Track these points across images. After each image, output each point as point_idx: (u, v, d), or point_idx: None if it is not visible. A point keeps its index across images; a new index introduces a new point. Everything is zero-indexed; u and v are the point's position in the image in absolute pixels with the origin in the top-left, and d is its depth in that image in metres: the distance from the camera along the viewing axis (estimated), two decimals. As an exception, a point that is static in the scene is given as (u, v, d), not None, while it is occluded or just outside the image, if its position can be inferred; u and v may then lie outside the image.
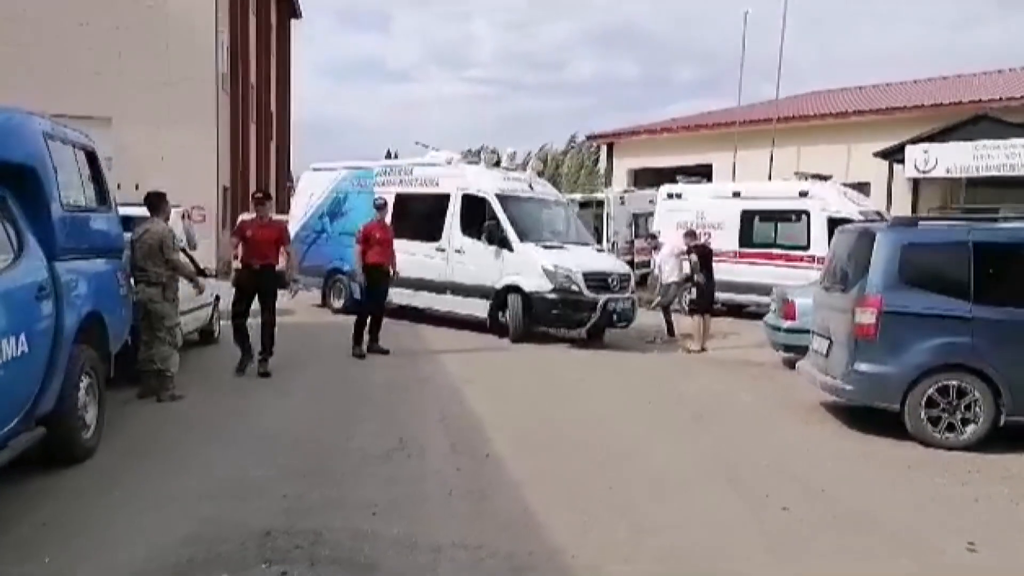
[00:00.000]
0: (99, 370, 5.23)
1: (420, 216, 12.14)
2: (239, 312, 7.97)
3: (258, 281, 7.92)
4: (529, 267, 10.82)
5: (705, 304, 10.98)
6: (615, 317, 10.82)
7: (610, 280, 10.97)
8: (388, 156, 26.27)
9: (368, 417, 6.37)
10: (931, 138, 17.22)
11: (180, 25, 19.53)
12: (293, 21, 32.14)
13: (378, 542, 3.78)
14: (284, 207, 21.03)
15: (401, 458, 5.22)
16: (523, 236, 11.15)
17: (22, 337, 4.05)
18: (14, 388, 4.03)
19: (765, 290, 11.16)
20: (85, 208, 5.40)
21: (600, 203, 20.11)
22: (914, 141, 17.37)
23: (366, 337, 9.35)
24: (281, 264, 8.34)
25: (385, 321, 9.80)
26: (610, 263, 12.00)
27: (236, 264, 8.45)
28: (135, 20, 19.11)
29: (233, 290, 8.21)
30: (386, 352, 9.36)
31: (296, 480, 4.66)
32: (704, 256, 11.08)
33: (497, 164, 12.37)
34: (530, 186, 12.35)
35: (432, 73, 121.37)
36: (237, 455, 5.18)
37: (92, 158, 5.73)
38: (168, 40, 19.28)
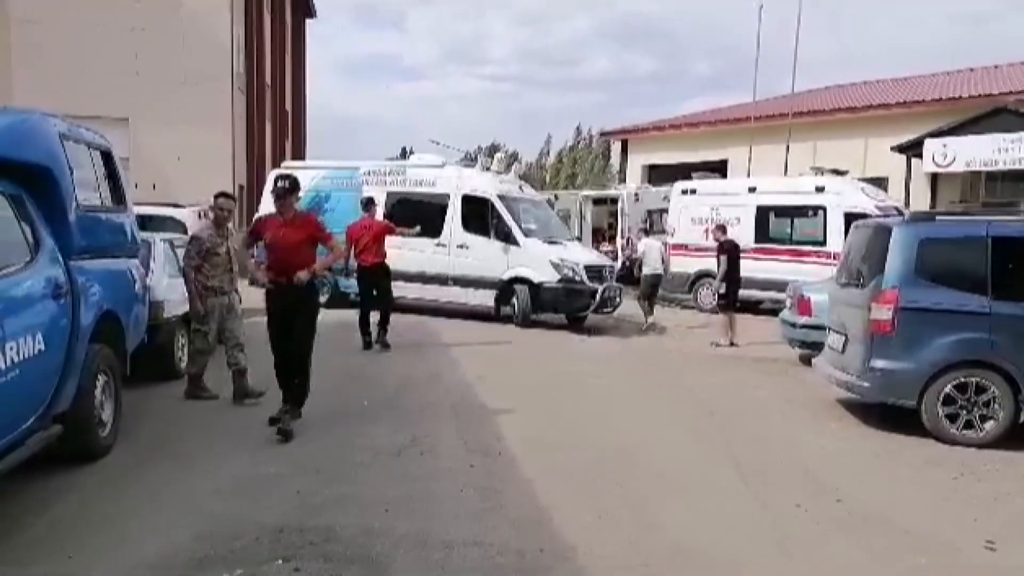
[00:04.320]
0: (116, 369, 5.28)
1: (416, 214, 12.56)
2: (276, 347, 5.86)
3: (289, 302, 5.74)
4: (537, 260, 11.96)
5: (731, 300, 11.06)
6: (607, 304, 12.19)
7: (604, 271, 12.44)
8: (403, 154, 26.55)
9: (380, 414, 6.39)
10: (950, 132, 17.01)
11: (196, 25, 19.66)
12: (308, 20, 32.26)
13: (390, 539, 3.80)
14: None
15: (414, 455, 5.24)
16: (525, 233, 12.27)
17: (39, 336, 4.09)
18: (31, 386, 4.07)
19: (781, 286, 11.11)
20: (101, 208, 5.45)
21: (614, 200, 20.07)
22: (933, 135, 17.17)
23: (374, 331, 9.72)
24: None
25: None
26: (598, 256, 13.71)
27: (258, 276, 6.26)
28: (151, 20, 19.26)
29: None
30: (387, 347, 9.59)
31: (309, 477, 4.69)
32: (731, 252, 11.10)
33: (487, 169, 13.46)
34: (520, 188, 13.67)
35: (447, 70, 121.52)
36: (250, 452, 5.21)
37: (108, 158, 5.79)
38: (184, 40, 19.41)
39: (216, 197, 6.97)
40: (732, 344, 10.79)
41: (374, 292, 9.88)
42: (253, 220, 6.44)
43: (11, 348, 3.81)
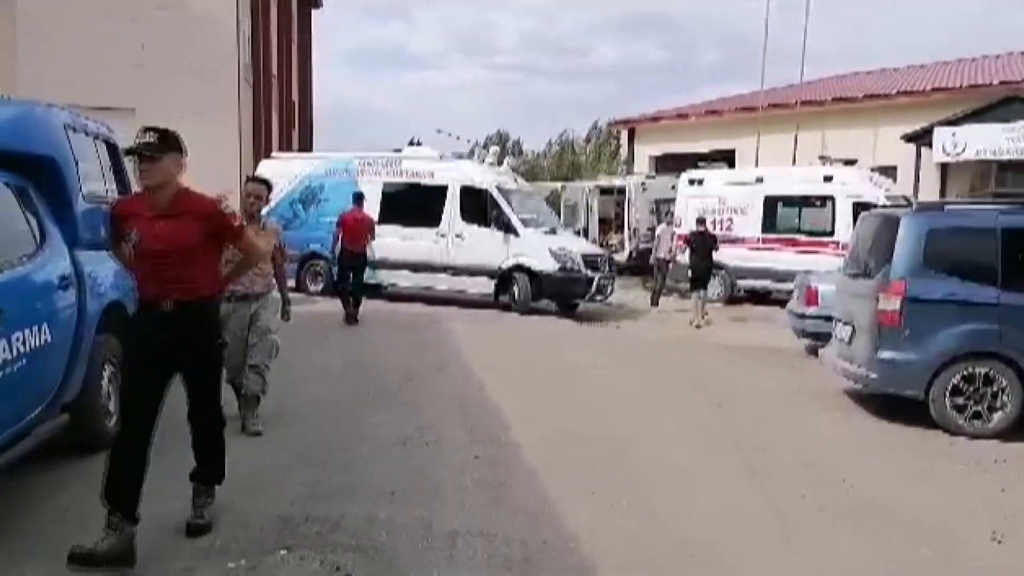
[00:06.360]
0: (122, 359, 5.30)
1: (414, 204, 13.22)
2: (130, 412, 3.62)
3: (173, 340, 3.53)
4: (536, 249, 12.40)
5: (694, 285, 12.07)
6: (602, 292, 12.75)
7: (599, 260, 12.94)
8: (411, 144, 26.74)
9: (385, 404, 6.40)
10: (960, 121, 16.84)
11: (202, 16, 19.63)
12: (314, 11, 32.19)
13: (395, 528, 3.81)
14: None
15: (419, 445, 5.25)
16: (524, 223, 12.70)
17: (45, 327, 4.10)
18: (38, 377, 4.08)
19: (788, 276, 11.10)
20: (107, 199, 5.44)
21: (621, 190, 20.00)
22: (942, 124, 17.01)
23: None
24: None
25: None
26: (592, 246, 14.37)
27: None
28: (157, 11, 19.24)
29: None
30: (356, 322, 10.65)
31: (313, 467, 4.70)
32: (701, 242, 12.13)
33: (482, 161, 13.97)
34: (515, 180, 14.11)
35: (454, 60, 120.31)
36: (254, 443, 5.22)
37: (113, 149, 5.80)
38: (190, 31, 19.38)
39: (246, 182, 5.98)
40: (698, 327, 11.57)
41: (351, 275, 10.85)
42: (112, 203, 4.25)
43: (18, 339, 3.82)
